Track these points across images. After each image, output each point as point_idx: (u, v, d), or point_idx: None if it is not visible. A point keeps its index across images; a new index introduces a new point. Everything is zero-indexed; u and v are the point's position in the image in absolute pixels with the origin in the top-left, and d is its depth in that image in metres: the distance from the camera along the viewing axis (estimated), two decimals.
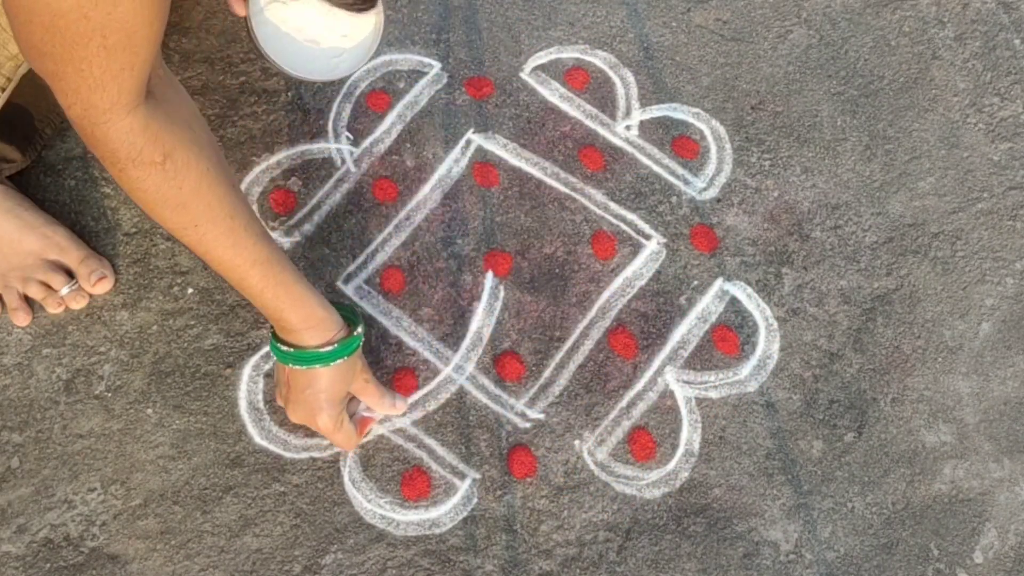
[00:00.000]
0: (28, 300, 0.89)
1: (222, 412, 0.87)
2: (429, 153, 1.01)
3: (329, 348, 0.77)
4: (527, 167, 1.01)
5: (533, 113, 1.04)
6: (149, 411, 0.87)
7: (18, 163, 0.92)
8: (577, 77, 1.07)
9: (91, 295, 0.90)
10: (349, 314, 0.82)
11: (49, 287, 0.88)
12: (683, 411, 0.91)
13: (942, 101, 1.10)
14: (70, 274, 0.89)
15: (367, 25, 0.80)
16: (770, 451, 0.91)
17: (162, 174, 0.66)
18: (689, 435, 0.91)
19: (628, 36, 1.10)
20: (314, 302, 0.77)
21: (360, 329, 0.81)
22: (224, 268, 0.73)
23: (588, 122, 1.05)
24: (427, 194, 0.99)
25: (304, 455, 0.86)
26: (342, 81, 1.03)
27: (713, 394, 0.92)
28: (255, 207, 0.96)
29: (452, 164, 1.00)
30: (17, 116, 0.90)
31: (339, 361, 0.78)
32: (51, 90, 0.62)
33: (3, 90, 0.74)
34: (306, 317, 0.76)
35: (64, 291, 0.88)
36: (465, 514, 0.86)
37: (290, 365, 0.79)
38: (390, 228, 0.97)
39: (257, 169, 0.98)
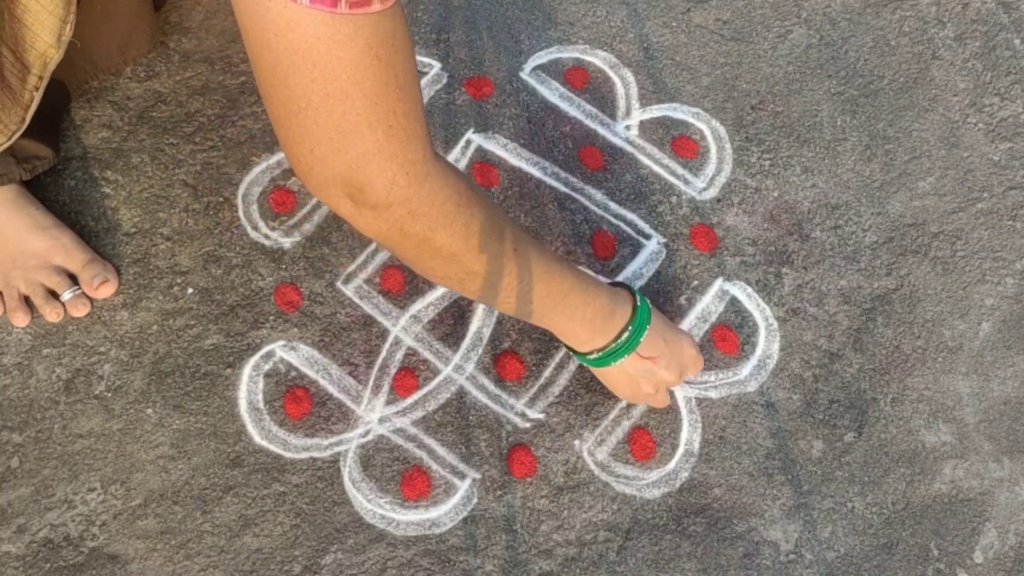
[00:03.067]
0: (28, 302, 0.89)
1: (222, 412, 0.87)
2: None
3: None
4: (527, 167, 1.01)
5: (533, 113, 1.04)
6: (149, 411, 0.87)
7: (48, 160, 0.91)
8: (577, 77, 1.07)
9: (93, 299, 0.90)
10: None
11: (50, 291, 0.88)
12: (683, 411, 0.91)
13: (942, 101, 1.10)
14: (73, 280, 0.89)
15: None
16: (770, 451, 0.91)
17: (484, 210, 0.64)
18: (689, 435, 0.91)
19: (628, 36, 1.10)
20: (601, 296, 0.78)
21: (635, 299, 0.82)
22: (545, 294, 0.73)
23: (588, 122, 1.05)
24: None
25: (304, 455, 0.86)
26: None
27: (713, 394, 0.93)
28: (255, 207, 0.96)
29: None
30: (44, 113, 0.90)
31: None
32: (291, 162, 0.58)
33: (37, 88, 0.74)
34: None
35: (67, 296, 0.88)
36: (465, 514, 0.86)
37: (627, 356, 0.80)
38: None
39: (257, 169, 0.98)
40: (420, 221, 0.61)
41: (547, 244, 0.75)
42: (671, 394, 0.91)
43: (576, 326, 0.78)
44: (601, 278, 0.85)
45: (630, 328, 0.79)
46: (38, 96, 0.75)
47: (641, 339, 0.80)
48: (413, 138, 0.57)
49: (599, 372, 0.85)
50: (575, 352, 0.83)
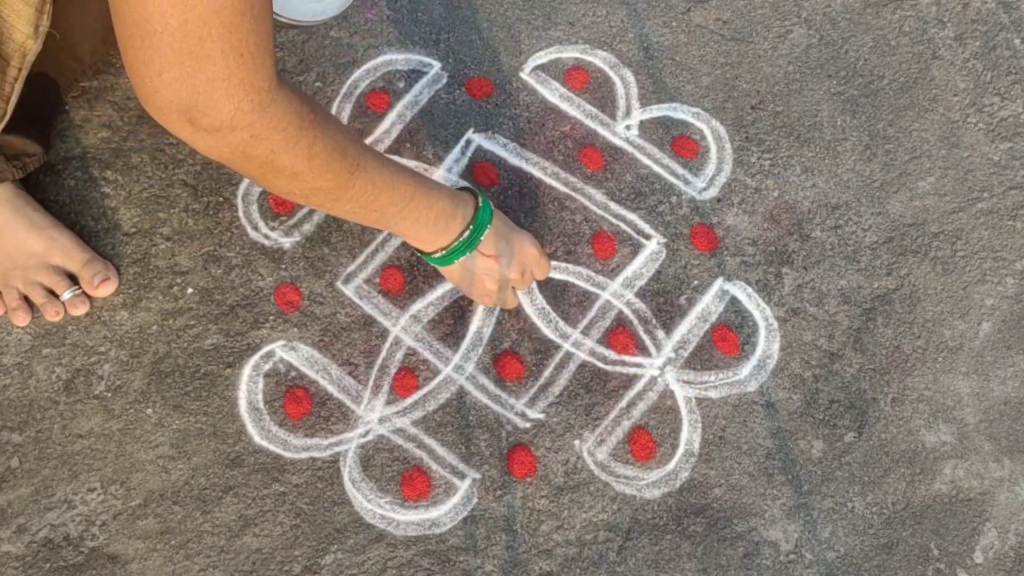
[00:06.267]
0: (28, 302, 0.89)
1: (222, 412, 0.87)
2: (429, 153, 1.01)
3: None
4: (527, 167, 1.01)
5: (533, 113, 1.04)
6: (149, 411, 0.87)
7: (39, 157, 0.91)
8: (577, 77, 1.07)
9: (93, 298, 0.90)
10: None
11: (50, 291, 0.88)
12: (683, 411, 0.91)
13: (942, 101, 1.10)
14: (73, 280, 0.89)
15: None
16: (770, 451, 0.91)
17: (327, 130, 0.66)
18: (689, 435, 0.91)
19: (628, 36, 1.10)
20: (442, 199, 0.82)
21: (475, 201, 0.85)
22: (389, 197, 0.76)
23: (588, 122, 1.05)
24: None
25: (304, 455, 0.86)
26: (341, 81, 1.03)
27: (713, 394, 0.92)
28: (255, 207, 0.96)
29: (452, 164, 1.00)
30: (31, 108, 0.90)
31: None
32: (128, 71, 0.59)
33: (16, 80, 0.74)
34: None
35: (66, 295, 0.88)
36: (465, 514, 0.86)
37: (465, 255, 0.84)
38: None
39: None
40: (263, 144, 0.63)
41: (392, 159, 0.79)
42: (671, 394, 0.91)
43: (420, 229, 0.81)
44: (446, 184, 0.88)
45: (471, 227, 0.83)
46: (18, 88, 0.74)
47: (481, 237, 0.84)
48: (262, 67, 0.59)
49: (444, 270, 0.88)
50: (422, 253, 0.86)
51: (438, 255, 0.84)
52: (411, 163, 1.00)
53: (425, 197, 0.79)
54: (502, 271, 0.87)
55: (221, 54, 0.57)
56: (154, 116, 0.62)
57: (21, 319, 0.88)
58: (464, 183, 0.98)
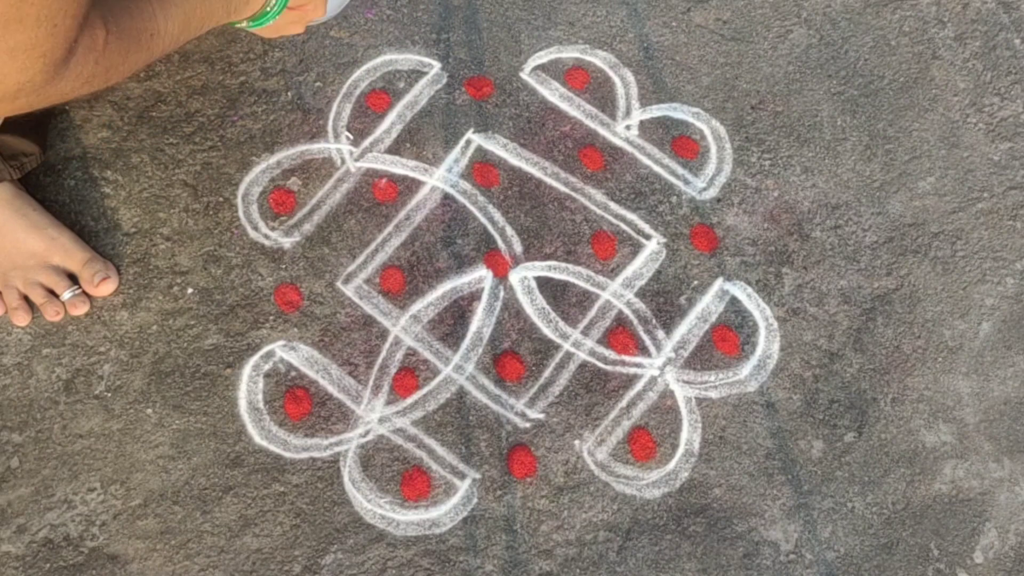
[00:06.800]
0: (28, 302, 0.89)
1: (222, 412, 0.87)
2: (429, 153, 1.01)
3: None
4: (527, 167, 1.01)
5: (533, 113, 1.04)
6: (149, 411, 0.87)
7: (36, 156, 0.91)
8: (577, 77, 1.07)
9: (93, 297, 0.90)
10: None
11: (50, 291, 0.88)
12: (683, 411, 0.91)
13: (942, 101, 1.10)
14: (73, 279, 0.89)
15: None
16: (770, 451, 0.91)
17: (117, 35, 0.64)
18: (689, 435, 0.91)
19: (628, 36, 1.10)
20: None
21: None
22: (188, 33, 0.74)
23: (588, 122, 1.05)
24: (427, 194, 0.99)
25: (304, 455, 0.86)
26: (341, 81, 1.03)
27: (713, 394, 0.93)
28: (255, 207, 0.96)
29: (452, 164, 1.00)
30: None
31: None
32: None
33: None
34: None
35: (66, 295, 0.88)
36: (465, 514, 0.86)
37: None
38: (390, 228, 0.97)
39: (257, 169, 0.98)
40: (49, 99, 0.60)
41: None
42: (671, 394, 0.91)
43: (230, 4, 0.78)
44: None
45: None
46: None
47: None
48: (67, 40, 0.56)
49: (264, 29, 0.85)
50: (241, 24, 0.83)
51: (264, 13, 0.82)
52: (411, 163, 1.00)
53: None
54: (310, 13, 0.86)
55: (35, 21, 0.53)
56: None
57: (21, 319, 0.88)
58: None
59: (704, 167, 1.04)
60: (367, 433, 0.88)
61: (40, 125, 0.93)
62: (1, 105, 0.58)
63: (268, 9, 0.82)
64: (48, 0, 0.53)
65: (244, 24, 0.84)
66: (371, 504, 0.85)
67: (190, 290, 0.92)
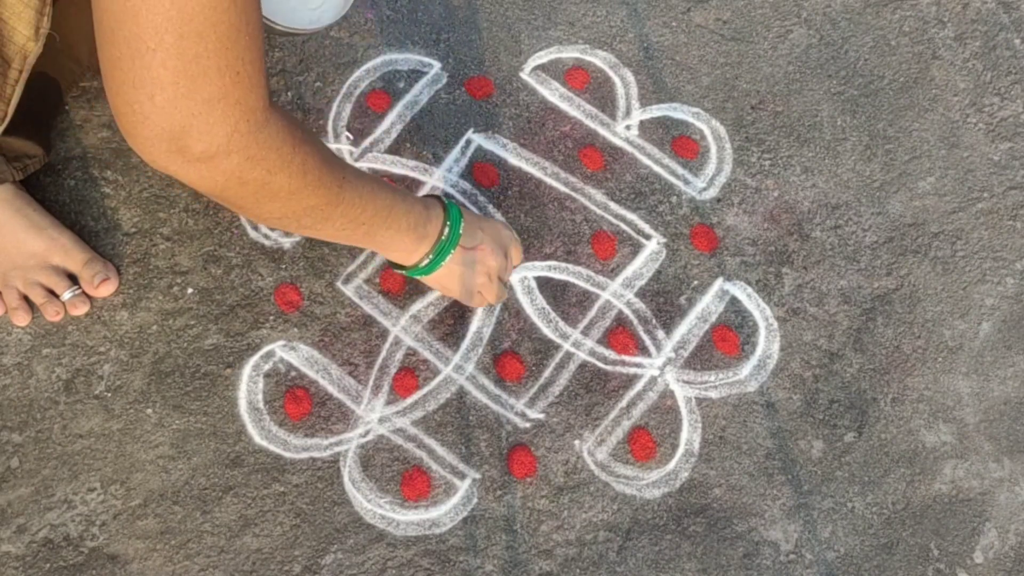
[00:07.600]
0: (28, 302, 0.89)
1: (222, 412, 0.87)
2: (429, 153, 1.01)
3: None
4: (527, 167, 1.01)
5: (533, 113, 1.04)
6: (149, 411, 0.87)
7: (39, 158, 0.91)
8: (577, 77, 1.07)
9: (93, 298, 0.90)
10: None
11: (50, 291, 0.88)
12: (683, 411, 0.91)
13: (942, 101, 1.10)
14: (73, 280, 0.89)
15: None
16: (770, 451, 0.91)
17: (315, 147, 0.65)
18: (689, 435, 0.91)
19: (628, 36, 1.10)
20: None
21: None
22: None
23: (588, 122, 1.05)
24: (427, 194, 0.99)
25: (304, 455, 0.86)
26: (341, 81, 1.03)
27: (713, 394, 0.93)
28: None
29: (452, 164, 1.00)
30: (31, 110, 0.89)
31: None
32: (112, 97, 0.55)
33: (17, 82, 0.74)
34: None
35: (66, 296, 0.88)
36: (465, 514, 0.86)
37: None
38: None
39: None
40: (259, 166, 0.61)
41: (364, 171, 0.79)
42: (671, 394, 0.91)
43: (403, 237, 0.80)
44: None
45: (448, 223, 0.83)
46: (19, 90, 0.74)
47: (460, 230, 0.84)
48: (257, 86, 0.57)
49: (433, 278, 0.87)
50: (405, 268, 0.85)
51: (425, 262, 0.83)
52: (411, 163, 1.00)
53: (402, 203, 0.79)
54: (486, 259, 0.87)
55: (217, 72, 0.54)
56: (139, 150, 0.58)
57: (21, 319, 0.88)
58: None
59: (704, 167, 1.04)
60: (367, 433, 0.88)
61: (44, 127, 0.93)
62: (219, 162, 0.58)
63: (438, 245, 0.83)
64: (220, 50, 0.54)
65: (424, 261, 0.84)
66: (371, 504, 0.85)
67: (190, 290, 0.92)
